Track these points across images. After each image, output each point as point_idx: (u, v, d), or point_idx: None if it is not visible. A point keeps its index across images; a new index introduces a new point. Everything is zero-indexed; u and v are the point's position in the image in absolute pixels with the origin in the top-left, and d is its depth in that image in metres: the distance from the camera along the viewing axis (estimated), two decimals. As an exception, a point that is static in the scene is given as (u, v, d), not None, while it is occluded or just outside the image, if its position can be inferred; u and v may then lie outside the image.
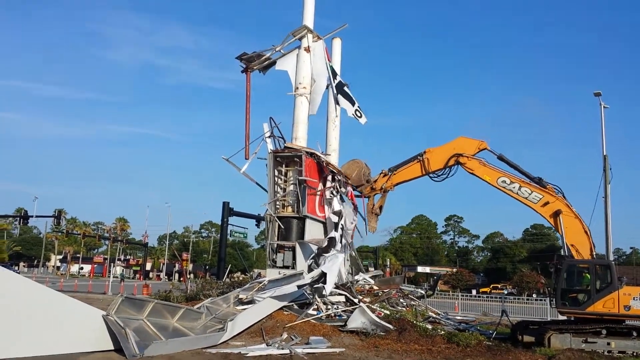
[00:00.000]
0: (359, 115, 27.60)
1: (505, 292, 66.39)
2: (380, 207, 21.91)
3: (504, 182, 18.80)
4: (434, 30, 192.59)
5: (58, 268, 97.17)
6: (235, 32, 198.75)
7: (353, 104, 27.23)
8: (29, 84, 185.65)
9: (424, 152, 20.32)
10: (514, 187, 18.61)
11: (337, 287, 19.89)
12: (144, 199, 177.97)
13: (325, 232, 23.62)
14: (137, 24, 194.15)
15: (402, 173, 20.90)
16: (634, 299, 16.07)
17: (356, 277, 24.59)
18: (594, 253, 17.54)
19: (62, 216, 72.74)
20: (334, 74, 26.57)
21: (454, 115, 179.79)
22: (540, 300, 37.97)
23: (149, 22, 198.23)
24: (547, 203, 18.21)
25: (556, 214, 17.93)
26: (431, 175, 20.34)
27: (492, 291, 66.53)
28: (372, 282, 25.25)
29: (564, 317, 18.25)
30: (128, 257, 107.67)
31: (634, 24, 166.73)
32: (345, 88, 27.19)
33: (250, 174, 25.25)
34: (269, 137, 24.90)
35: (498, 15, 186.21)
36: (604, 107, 30.85)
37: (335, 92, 26.10)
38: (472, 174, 19.32)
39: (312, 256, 21.33)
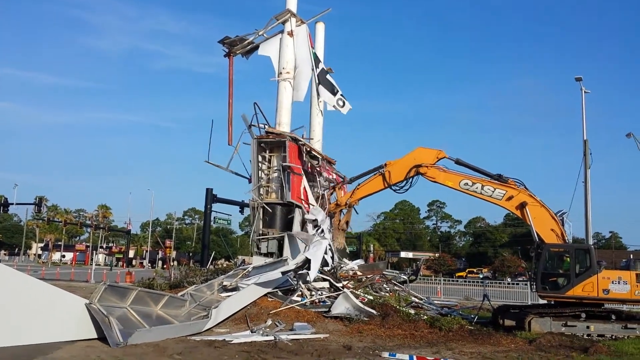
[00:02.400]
0: (341, 104, 27.48)
1: (481, 275, 67.63)
2: (347, 222, 22.11)
3: (466, 184, 19.07)
4: (419, 14, 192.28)
5: (39, 256, 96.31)
6: (222, 17, 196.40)
7: (335, 93, 27.10)
8: (12, 71, 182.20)
9: (385, 164, 20.46)
10: (476, 188, 18.91)
11: (322, 272, 19.97)
12: (126, 186, 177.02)
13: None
14: (122, 11, 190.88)
15: (365, 188, 21.02)
16: (612, 282, 16.40)
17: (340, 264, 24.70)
18: (565, 238, 17.83)
19: (43, 203, 71.95)
20: (317, 61, 26.43)
21: (440, 102, 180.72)
22: (516, 283, 38.61)
23: (135, 9, 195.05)
24: (511, 197, 18.54)
25: (522, 206, 18.23)
26: (393, 187, 20.50)
27: (468, 275, 67.92)
28: (356, 267, 25.39)
29: (545, 301, 18.57)
30: (110, 244, 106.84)
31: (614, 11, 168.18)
32: (328, 76, 27.07)
33: (235, 160, 25.20)
34: (252, 125, 24.76)
35: (484, 5, 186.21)
36: (584, 92, 31.21)
37: (317, 81, 25.95)
38: (434, 182, 19.59)
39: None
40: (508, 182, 18.68)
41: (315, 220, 22.07)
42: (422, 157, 19.89)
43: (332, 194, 21.90)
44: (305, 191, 23.82)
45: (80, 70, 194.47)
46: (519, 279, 54.22)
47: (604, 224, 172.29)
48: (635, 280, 16.28)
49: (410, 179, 20.16)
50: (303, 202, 23.53)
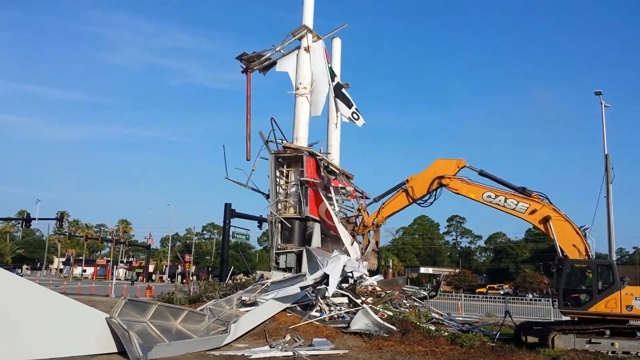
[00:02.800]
0: (356, 117, 27.60)
1: (502, 292, 66.63)
2: (377, 243, 22.00)
3: (489, 196, 18.89)
4: (435, 28, 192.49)
5: (61, 271, 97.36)
6: (237, 33, 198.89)
7: (350, 106, 27.23)
8: (31, 87, 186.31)
9: (407, 180, 20.40)
10: (499, 201, 18.71)
11: (340, 288, 19.88)
12: (146, 201, 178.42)
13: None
14: (138, 27, 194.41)
15: (390, 205, 20.93)
16: (636, 298, 16.03)
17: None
18: (589, 253, 17.53)
19: (64, 218, 72.90)
20: (333, 75, 26.60)
21: (459, 115, 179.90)
22: (538, 300, 37.95)
23: (151, 25, 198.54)
24: (534, 211, 18.32)
25: (545, 220, 18.00)
26: (418, 202, 20.39)
27: (489, 291, 66.97)
28: (375, 283, 25.22)
29: (568, 318, 18.23)
30: (131, 259, 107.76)
31: (632, 23, 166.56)
32: (343, 90, 27.23)
33: (253, 175, 25.35)
34: (269, 141, 24.91)
35: (499, 17, 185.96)
36: (604, 106, 30.85)
37: (333, 94, 26.11)
38: (457, 193, 19.46)
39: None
40: (532, 196, 18.46)
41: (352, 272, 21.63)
42: (442, 169, 19.79)
43: (357, 217, 21.82)
44: (329, 212, 23.68)
45: (98, 86, 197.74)
46: (534, 294, 53.44)
47: (628, 240, 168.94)
48: (660, 296, 15.90)
49: (434, 192, 20.05)
50: (326, 220, 23.56)
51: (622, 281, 16.72)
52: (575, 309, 16.88)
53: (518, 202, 18.55)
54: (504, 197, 18.73)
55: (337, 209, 24.85)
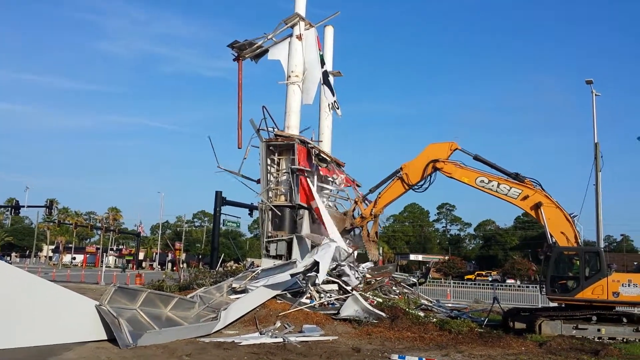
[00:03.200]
0: (336, 107, 27.99)
1: (490, 278, 67.37)
2: (376, 233, 22.04)
3: (482, 181, 18.95)
4: (429, 15, 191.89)
5: (50, 258, 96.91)
6: (230, 21, 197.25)
7: (333, 94, 27.57)
8: (22, 75, 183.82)
9: (400, 168, 20.41)
10: (492, 185, 18.78)
11: (330, 274, 19.97)
12: (136, 189, 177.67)
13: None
14: (133, 15, 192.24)
15: (386, 194, 20.93)
16: (622, 285, 16.23)
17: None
18: (579, 240, 17.70)
19: (53, 206, 72.41)
20: (322, 62, 26.60)
21: (451, 103, 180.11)
22: (526, 286, 38.36)
23: (145, 13, 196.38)
24: (526, 197, 18.41)
25: (537, 206, 18.09)
26: (414, 188, 20.44)
27: (477, 278, 67.81)
28: (365, 270, 25.36)
29: (555, 304, 18.44)
30: (120, 246, 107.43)
31: (626, 12, 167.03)
32: (330, 78, 27.44)
33: (244, 163, 25.34)
34: (261, 129, 24.85)
35: (493, 4, 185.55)
36: (595, 94, 31.04)
37: (322, 80, 26.16)
38: (450, 177, 19.50)
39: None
40: (525, 182, 18.52)
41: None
42: (435, 153, 19.81)
43: (354, 209, 21.86)
44: (310, 191, 23.80)
45: (91, 73, 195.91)
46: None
47: (616, 227, 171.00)
48: (646, 282, 16.11)
49: (429, 177, 20.08)
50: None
51: (609, 268, 16.92)
52: (562, 295, 17.08)
53: (511, 188, 18.63)
54: (497, 182, 18.78)
55: (325, 201, 24.94)
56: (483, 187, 18.95)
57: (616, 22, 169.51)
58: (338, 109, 28.78)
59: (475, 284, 37.96)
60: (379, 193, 21.07)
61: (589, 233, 33.04)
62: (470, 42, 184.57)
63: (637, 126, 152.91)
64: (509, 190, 18.64)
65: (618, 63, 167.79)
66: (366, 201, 22.37)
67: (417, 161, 20.26)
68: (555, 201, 18.12)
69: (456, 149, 19.74)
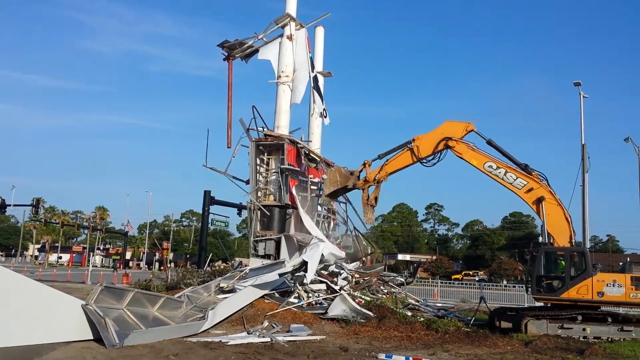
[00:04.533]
0: (324, 115, 28.09)
1: (477, 278, 67.81)
2: (376, 198, 21.90)
3: (491, 167, 18.88)
4: (418, 18, 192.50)
5: (36, 257, 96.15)
6: (220, 20, 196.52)
7: (322, 101, 27.73)
8: (9, 73, 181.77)
9: (413, 139, 20.23)
10: (499, 172, 18.72)
11: (319, 274, 20.00)
12: (124, 188, 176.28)
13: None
14: (120, 13, 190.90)
15: (394, 162, 20.72)
16: (607, 285, 16.41)
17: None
18: (574, 240, 17.83)
19: (40, 205, 71.77)
20: (312, 66, 26.65)
21: (439, 106, 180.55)
22: (512, 286, 38.70)
23: (133, 12, 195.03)
24: (531, 189, 18.34)
25: (539, 201, 18.09)
26: (422, 161, 20.30)
27: (464, 278, 68.23)
28: (354, 270, 25.43)
29: (541, 304, 18.59)
30: (108, 246, 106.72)
31: (616, 15, 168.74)
32: (319, 83, 27.62)
33: (233, 163, 25.32)
34: (250, 129, 24.81)
35: (486, 6, 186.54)
36: (583, 96, 31.38)
37: (312, 84, 26.21)
38: (460, 157, 19.35)
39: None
40: (532, 174, 18.50)
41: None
42: (450, 130, 19.60)
43: (361, 171, 21.69)
44: (293, 197, 23.89)
45: (78, 72, 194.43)
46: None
47: (602, 228, 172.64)
48: (630, 283, 16.28)
49: (439, 154, 19.95)
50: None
51: (595, 268, 17.09)
52: (547, 295, 17.23)
53: (517, 178, 18.52)
54: (504, 169, 18.67)
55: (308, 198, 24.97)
56: (490, 172, 18.80)
57: (604, 23, 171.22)
58: (326, 117, 28.86)
59: (462, 284, 38.18)
60: (387, 160, 20.95)
61: (575, 233, 33.35)
62: (459, 45, 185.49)
63: (625, 127, 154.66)
64: (515, 180, 18.54)
65: (606, 65, 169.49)
66: (370, 167, 22.14)
67: (430, 135, 20.03)
68: (558, 198, 18.05)
69: (472, 130, 19.50)
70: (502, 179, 18.67)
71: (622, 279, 16.44)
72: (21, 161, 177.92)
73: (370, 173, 21.17)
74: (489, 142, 19.37)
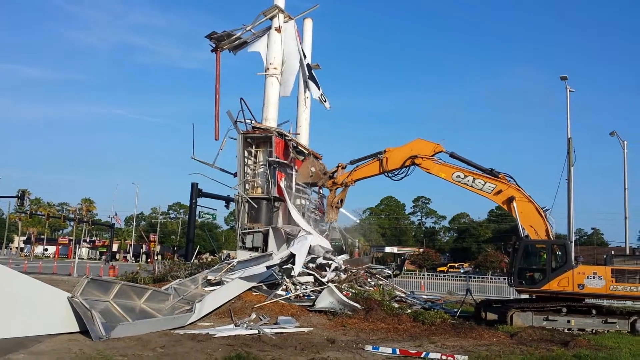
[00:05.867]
0: (324, 100, 28.02)
1: (462, 270, 68.43)
2: (341, 201, 22.27)
3: (459, 176, 19.44)
4: (405, 11, 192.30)
5: (22, 249, 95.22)
6: (208, 11, 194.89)
7: (318, 88, 27.59)
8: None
9: (384, 151, 20.69)
10: (468, 180, 19.28)
11: (306, 267, 20.04)
12: (110, 180, 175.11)
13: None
14: (108, 4, 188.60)
15: (362, 170, 21.29)
16: (587, 277, 16.64)
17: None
18: (551, 233, 18.09)
19: (25, 196, 71.09)
20: (304, 55, 26.57)
21: (426, 98, 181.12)
22: (497, 278, 39.08)
23: (121, 2, 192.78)
24: (500, 191, 18.91)
25: (510, 200, 18.57)
26: (389, 174, 20.74)
27: (449, 270, 68.87)
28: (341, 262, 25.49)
29: (526, 296, 18.83)
30: (94, 238, 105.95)
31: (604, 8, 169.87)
32: (313, 71, 27.43)
33: (221, 155, 25.20)
34: (238, 121, 24.70)
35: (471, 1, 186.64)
36: (569, 91, 31.65)
37: (306, 73, 26.11)
38: (428, 172, 19.94)
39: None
40: (499, 177, 18.94)
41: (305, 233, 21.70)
42: (420, 149, 20.13)
43: (334, 172, 22.06)
44: (280, 189, 23.90)
45: (65, 63, 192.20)
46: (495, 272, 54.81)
47: (587, 221, 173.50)
48: (610, 275, 16.53)
49: (407, 169, 20.40)
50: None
51: (577, 260, 17.33)
52: (529, 287, 17.48)
53: (485, 183, 19.06)
54: (472, 177, 19.24)
55: (293, 189, 24.99)
56: (459, 182, 19.38)
57: (592, 17, 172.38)
58: (325, 101, 28.79)
59: (449, 276, 38.47)
60: (357, 166, 21.36)
61: (560, 226, 33.79)
62: (449, 37, 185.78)
63: (610, 121, 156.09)
64: (484, 185, 19.08)
65: (592, 59, 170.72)
66: (343, 170, 22.45)
67: (399, 150, 20.52)
68: (527, 195, 18.53)
69: (440, 151, 20.07)
70: (472, 186, 19.23)
71: (602, 271, 16.69)
72: (6, 152, 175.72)
73: (340, 176, 21.63)
74: (452, 155, 19.97)
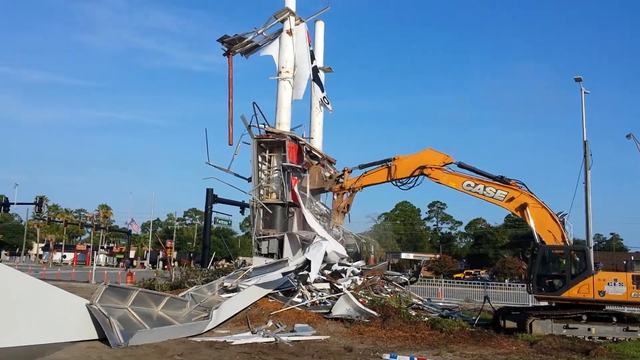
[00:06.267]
0: (326, 102, 28.11)
1: (478, 277, 67.79)
2: (348, 206, 22.25)
3: (469, 185, 19.23)
4: (420, 15, 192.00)
5: (40, 256, 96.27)
6: (218, 14, 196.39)
7: (322, 90, 27.65)
8: (8, 69, 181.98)
9: (394, 158, 20.57)
10: (479, 189, 19.05)
11: (322, 274, 19.99)
12: (127, 186, 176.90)
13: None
14: (117, 7, 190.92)
15: (370, 177, 21.18)
16: (608, 284, 16.35)
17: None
18: (566, 239, 17.84)
19: (43, 203, 71.98)
20: (312, 57, 26.59)
21: (440, 99, 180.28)
22: (516, 285, 38.63)
23: (130, 5, 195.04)
24: (512, 198, 18.65)
25: (523, 207, 18.30)
26: (396, 183, 20.62)
27: (466, 276, 68.28)
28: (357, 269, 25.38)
29: (546, 303, 18.56)
30: (111, 244, 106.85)
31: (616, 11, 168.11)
32: (319, 74, 27.53)
33: (235, 160, 25.29)
34: (252, 125, 24.77)
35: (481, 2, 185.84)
36: (584, 92, 31.25)
37: (311, 76, 26.16)
38: (438, 182, 19.76)
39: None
40: (510, 184, 18.75)
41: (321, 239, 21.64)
42: (429, 159, 19.99)
43: (340, 176, 22.05)
44: (295, 194, 23.87)
45: (77, 68, 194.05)
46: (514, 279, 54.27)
47: (605, 226, 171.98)
48: (632, 281, 16.22)
49: (415, 178, 20.26)
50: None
51: (596, 267, 17.05)
52: (548, 294, 17.23)
53: (497, 190, 18.85)
54: (483, 185, 19.03)
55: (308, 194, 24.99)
56: (470, 190, 19.18)
57: (607, 18, 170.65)
58: (328, 104, 28.87)
59: (467, 283, 38.12)
60: (365, 172, 21.28)
61: (578, 232, 33.34)
62: (460, 38, 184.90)
63: (627, 124, 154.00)
64: (495, 193, 18.86)
65: (608, 60, 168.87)
66: (350, 174, 22.44)
67: (409, 159, 20.40)
68: (540, 201, 18.27)
69: (450, 162, 19.93)
70: (483, 194, 19.01)
71: (623, 278, 16.39)
72: (24, 158, 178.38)
73: (347, 181, 21.58)
74: (460, 165, 19.79)
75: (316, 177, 23.13)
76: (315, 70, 27.00)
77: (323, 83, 29.00)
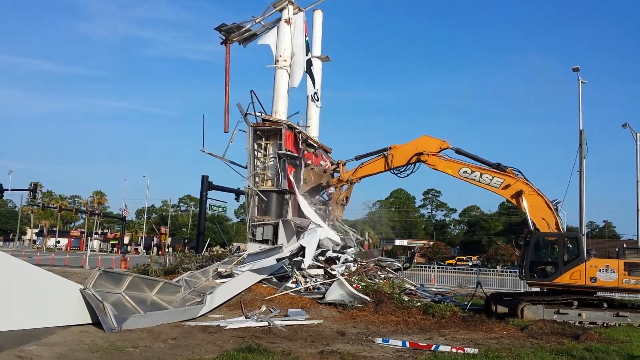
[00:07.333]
0: (316, 98, 28.06)
1: (470, 263, 68.28)
2: (347, 198, 22.31)
3: (466, 172, 19.29)
4: (418, 7, 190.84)
5: (34, 242, 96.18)
6: (216, 3, 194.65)
7: (314, 85, 27.59)
8: (5, 57, 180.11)
9: (390, 147, 20.60)
10: (475, 176, 19.13)
11: (316, 259, 20.07)
12: (121, 173, 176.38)
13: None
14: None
15: (367, 167, 21.25)
16: (600, 270, 16.51)
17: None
18: (560, 226, 17.97)
19: (38, 189, 71.68)
20: (307, 50, 26.53)
21: (436, 90, 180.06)
22: (509, 272, 38.94)
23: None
24: (508, 185, 18.75)
25: (518, 194, 18.42)
26: (394, 171, 20.67)
27: (457, 263, 68.85)
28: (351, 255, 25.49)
29: (537, 289, 18.75)
30: (105, 230, 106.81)
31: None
32: (316, 66, 27.44)
33: (231, 148, 25.25)
34: (248, 113, 24.71)
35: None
36: (581, 82, 31.29)
37: (305, 68, 26.09)
38: (434, 169, 19.85)
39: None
40: (506, 171, 18.82)
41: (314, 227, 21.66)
42: (425, 146, 20.04)
43: (334, 170, 22.09)
44: (290, 182, 23.87)
45: (74, 56, 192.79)
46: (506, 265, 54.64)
47: (599, 213, 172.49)
48: (623, 268, 16.38)
49: (413, 165, 20.33)
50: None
51: (589, 254, 17.21)
52: (540, 280, 17.40)
53: (493, 177, 18.94)
54: (479, 172, 19.10)
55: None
56: (466, 177, 19.25)
57: (604, 9, 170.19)
58: (317, 100, 28.86)
59: (460, 269, 38.40)
60: (362, 163, 21.32)
61: (572, 219, 33.53)
62: (459, 29, 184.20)
63: (623, 113, 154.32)
64: (491, 180, 18.95)
65: (605, 50, 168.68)
66: (344, 167, 22.48)
67: (405, 147, 20.44)
68: (536, 189, 18.40)
69: (446, 148, 19.97)
70: (479, 181, 19.09)
71: (615, 265, 16.55)
72: (18, 145, 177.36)
73: (345, 173, 21.66)
74: (458, 151, 19.82)
75: (311, 176, 23.13)
76: (309, 63, 26.92)
77: (321, 74, 28.93)
